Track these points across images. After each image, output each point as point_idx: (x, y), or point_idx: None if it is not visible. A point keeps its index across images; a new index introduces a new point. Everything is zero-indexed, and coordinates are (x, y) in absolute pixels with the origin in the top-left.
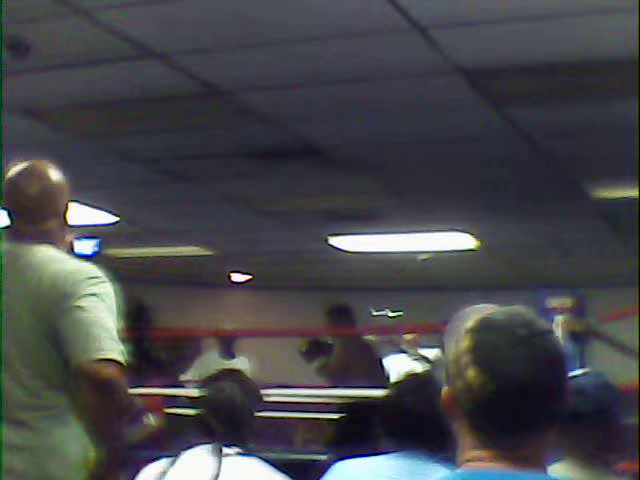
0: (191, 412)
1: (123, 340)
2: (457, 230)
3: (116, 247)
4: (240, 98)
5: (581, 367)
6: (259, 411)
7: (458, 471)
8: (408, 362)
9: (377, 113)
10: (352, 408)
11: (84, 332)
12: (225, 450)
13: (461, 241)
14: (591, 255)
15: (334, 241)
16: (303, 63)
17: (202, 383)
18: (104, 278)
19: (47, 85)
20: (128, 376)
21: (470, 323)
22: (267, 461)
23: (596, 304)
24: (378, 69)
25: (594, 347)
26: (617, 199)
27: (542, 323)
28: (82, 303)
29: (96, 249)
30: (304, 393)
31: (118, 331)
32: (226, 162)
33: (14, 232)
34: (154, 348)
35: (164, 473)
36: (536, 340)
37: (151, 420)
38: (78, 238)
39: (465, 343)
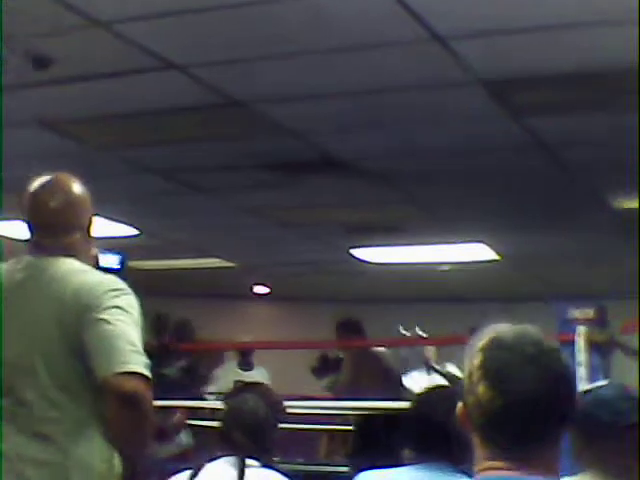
0: (214, 424)
1: (149, 353)
2: (478, 241)
3: (138, 259)
4: (261, 110)
5: (603, 378)
6: (282, 423)
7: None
8: (431, 379)
9: (397, 124)
10: (369, 419)
11: (108, 345)
12: (248, 462)
13: (482, 252)
14: (612, 265)
15: (356, 253)
16: (324, 75)
17: (225, 395)
18: (127, 290)
19: (68, 97)
20: (175, 390)
21: (482, 342)
22: (289, 473)
23: (618, 315)
24: (399, 80)
25: (616, 358)
26: (638, 209)
27: (550, 342)
28: (105, 315)
29: (121, 262)
30: (326, 405)
31: (142, 343)
32: (247, 174)
33: (35, 245)
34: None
35: None
36: (543, 358)
37: (184, 439)
38: (103, 251)
39: (476, 360)
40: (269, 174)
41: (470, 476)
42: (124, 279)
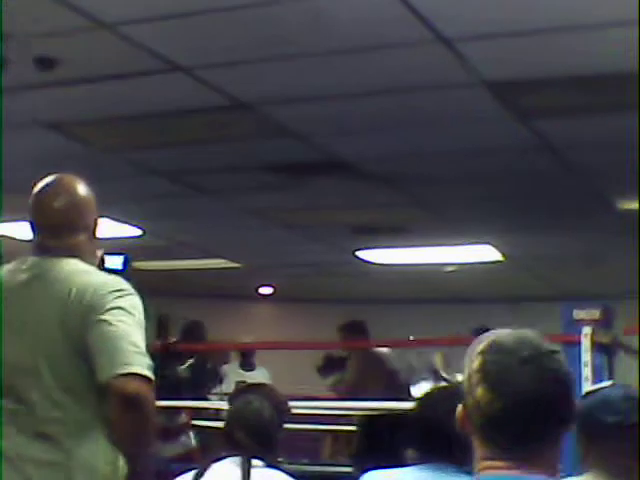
0: (218, 425)
1: (151, 354)
2: (483, 242)
3: (142, 260)
4: (266, 112)
5: (608, 379)
6: (286, 423)
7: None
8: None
9: (402, 126)
10: (373, 420)
11: (111, 346)
12: (253, 462)
13: (488, 253)
14: (618, 267)
15: (361, 254)
16: (329, 76)
17: (230, 396)
18: (131, 291)
19: (74, 99)
20: (188, 389)
21: (481, 345)
22: (294, 474)
23: (623, 316)
24: (404, 82)
25: (621, 359)
26: None
27: (548, 345)
28: (108, 316)
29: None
30: (330, 405)
31: (145, 344)
32: (253, 176)
33: (40, 246)
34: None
35: None
36: (541, 361)
37: (190, 439)
38: (108, 253)
39: (475, 363)
40: (274, 176)
41: (472, 476)
42: (128, 280)
